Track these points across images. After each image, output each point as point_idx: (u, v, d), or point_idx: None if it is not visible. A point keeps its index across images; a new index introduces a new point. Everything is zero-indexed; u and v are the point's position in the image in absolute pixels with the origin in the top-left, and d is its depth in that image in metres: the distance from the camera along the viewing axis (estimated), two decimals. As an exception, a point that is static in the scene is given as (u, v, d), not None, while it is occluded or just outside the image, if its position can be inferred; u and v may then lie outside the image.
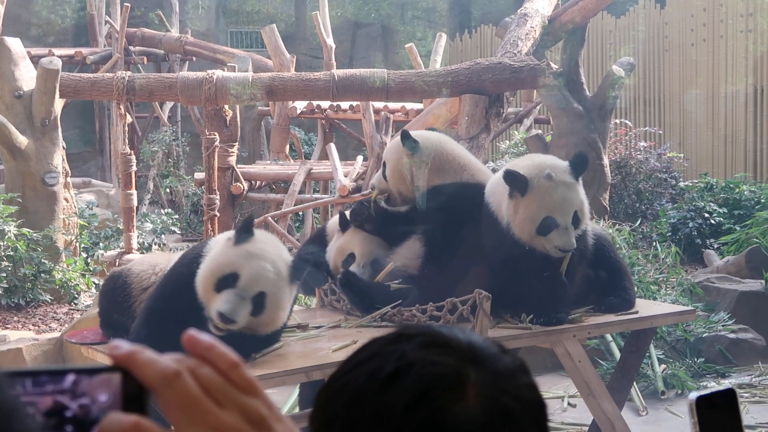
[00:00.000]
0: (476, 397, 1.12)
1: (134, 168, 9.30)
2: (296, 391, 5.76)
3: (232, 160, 9.74)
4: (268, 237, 4.66)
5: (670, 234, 11.45)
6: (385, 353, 1.16)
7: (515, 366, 1.17)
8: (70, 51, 16.62)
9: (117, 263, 8.40)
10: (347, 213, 5.48)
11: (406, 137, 5.24)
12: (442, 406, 1.11)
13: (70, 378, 0.84)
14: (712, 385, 7.58)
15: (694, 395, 1.29)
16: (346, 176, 10.30)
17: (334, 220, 5.74)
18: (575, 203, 4.90)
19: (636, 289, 6.01)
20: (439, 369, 1.13)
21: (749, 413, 6.91)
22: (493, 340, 1.20)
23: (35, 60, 10.10)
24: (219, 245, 4.45)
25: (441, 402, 1.11)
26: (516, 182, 4.83)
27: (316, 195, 12.07)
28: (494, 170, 6.55)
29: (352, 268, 5.26)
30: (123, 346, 0.85)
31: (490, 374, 1.14)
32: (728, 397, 1.31)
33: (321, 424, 1.16)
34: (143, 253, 9.94)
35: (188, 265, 4.48)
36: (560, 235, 4.83)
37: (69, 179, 9.98)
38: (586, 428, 5.87)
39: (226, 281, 4.28)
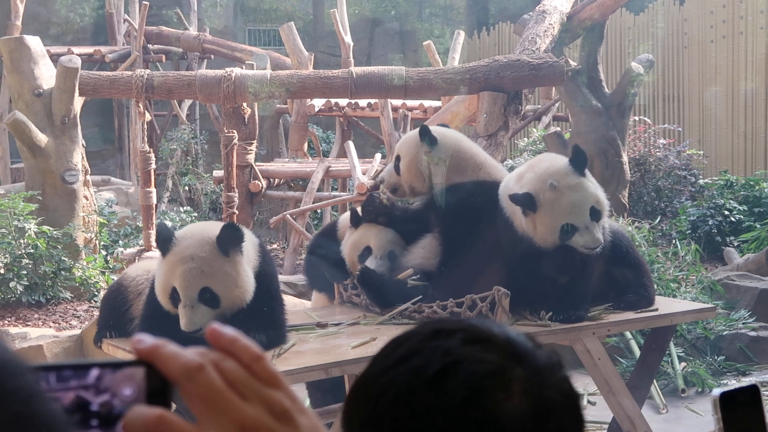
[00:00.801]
0: (521, 392, 1.13)
1: (153, 166, 9.33)
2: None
3: (251, 157, 9.75)
4: (188, 230, 4.65)
5: (689, 231, 11.40)
6: (428, 350, 1.16)
7: (553, 360, 1.19)
8: (89, 49, 16.67)
9: (136, 261, 8.42)
10: (359, 209, 5.48)
11: (425, 133, 5.23)
12: (494, 404, 1.12)
13: (94, 372, 0.84)
14: (734, 383, 7.55)
15: (717, 391, 1.29)
16: (364, 174, 10.30)
17: (345, 216, 5.74)
18: (588, 201, 4.89)
19: (656, 286, 5.99)
20: (487, 366, 1.14)
21: (770, 411, 6.87)
22: (526, 333, 1.21)
23: (55, 58, 10.14)
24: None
25: (492, 400, 1.12)
26: (524, 203, 4.85)
27: (335, 193, 12.07)
28: (512, 168, 6.54)
29: (369, 261, 5.27)
30: (146, 340, 0.86)
31: (531, 369, 1.15)
32: (752, 394, 1.31)
33: (366, 425, 1.16)
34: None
35: None
36: (583, 236, 4.83)
37: (88, 177, 10.02)
38: (606, 426, 5.85)
39: (174, 297, 4.36)
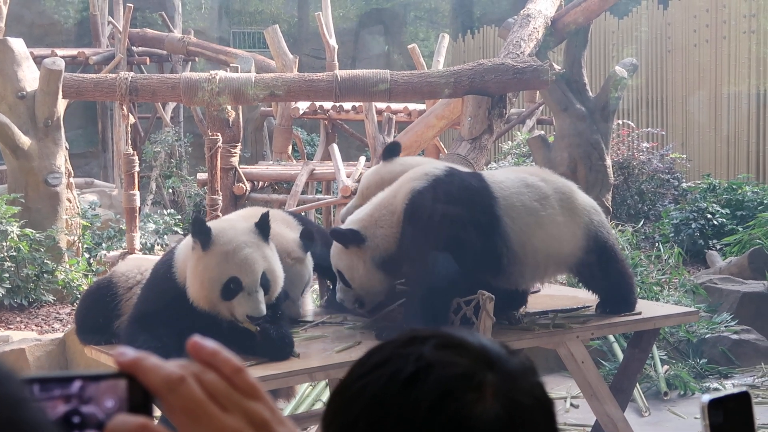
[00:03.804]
0: (493, 397, 1.15)
1: (137, 168, 9.31)
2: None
3: (235, 160, 9.74)
4: (223, 223, 4.67)
5: (672, 235, 11.45)
6: (402, 355, 1.18)
7: (525, 366, 1.21)
8: (73, 51, 16.61)
9: (119, 263, 8.39)
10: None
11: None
12: (464, 406, 1.14)
13: (77, 384, 0.85)
14: (716, 386, 7.58)
15: (706, 398, 1.27)
16: (348, 177, 10.30)
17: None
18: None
19: (638, 290, 6.01)
20: (458, 369, 1.16)
21: (752, 414, 6.90)
22: (501, 341, 1.23)
23: (38, 60, 10.10)
24: (190, 257, 4.44)
25: (463, 402, 1.14)
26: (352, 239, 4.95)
27: (319, 195, 12.07)
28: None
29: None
30: (128, 352, 0.86)
31: (503, 374, 1.17)
32: (742, 401, 1.30)
33: (341, 428, 1.18)
34: (146, 253, 9.94)
35: (166, 273, 4.56)
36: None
37: (72, 180, 9.98)
38: (589, 429, 5.87)
39: (229, 289, 4.34)
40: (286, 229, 5.00)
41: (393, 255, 4.87)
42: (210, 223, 4.53)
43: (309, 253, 4.99)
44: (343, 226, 4.99)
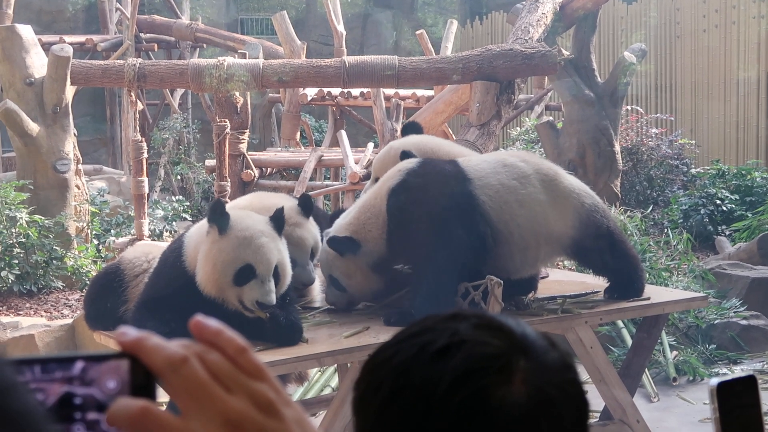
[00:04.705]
0: (522, 383, 1.14)
1: (145, 155, 9.30)
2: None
3: (243, 147, 9.74)
4: (241, 211, 4.65)
5: (681, 221, 11.42)
6: (438, 329, 1.19)
7: (563, 361, 1.20)
8: (81, 38, 16.60)
9: (127, 249, 8.41)
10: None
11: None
12: (487, 386, 1.13)
13: (79, 365, 0.84)
14: (725, 371, 7.57)
15: (715, 381, 1.29)
16: (356, 163, 10.29)
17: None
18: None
19: (647, 275, 6.00)
20: (490, 350, 1.16)
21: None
22: (546, 334, 1.22)
23: (46, 47, 10.10)
24: (204, 240, 4.42)
25: (487, 382, 1.14)
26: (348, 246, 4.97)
27: (327, 182, 12.06)
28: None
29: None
30: (130, 332, 0.85)
31: (537, 364, 1.16)
32: (749, 384, 1.31)
33: (366, 389, 1.19)
34: (154, 239, 9.96)
35: (175, 260, 4.55)
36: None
37: (80, 166, 10.00)
38: (598, 414, 5.87)
39: (242, 275, 4.33)
40: (283, 199, 5.09)
41: (385, 256, 4.93)
42: (228, 209, 4.54)
43: (311, 219, 5.02)
44: (334, 232, 4.99)
